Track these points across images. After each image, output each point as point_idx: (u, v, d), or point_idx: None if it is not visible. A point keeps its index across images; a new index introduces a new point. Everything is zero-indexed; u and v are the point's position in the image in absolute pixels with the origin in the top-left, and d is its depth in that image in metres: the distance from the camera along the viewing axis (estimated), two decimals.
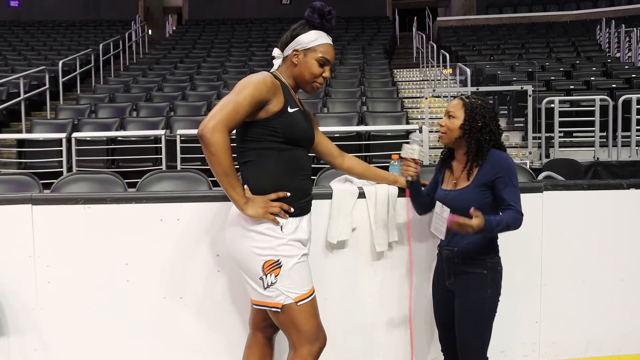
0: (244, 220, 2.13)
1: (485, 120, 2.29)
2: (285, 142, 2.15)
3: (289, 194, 2.15)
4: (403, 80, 13.05)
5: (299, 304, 2.13)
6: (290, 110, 2.16)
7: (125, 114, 9.17)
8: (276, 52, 2.29)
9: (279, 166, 2.15)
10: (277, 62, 2.29)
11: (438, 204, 2.37)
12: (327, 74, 2.26)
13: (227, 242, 2.24)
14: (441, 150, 2.52)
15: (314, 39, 2.21)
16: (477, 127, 2.28)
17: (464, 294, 2.31)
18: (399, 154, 2.59)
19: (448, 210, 2.29)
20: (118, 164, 7.56)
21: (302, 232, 2.21)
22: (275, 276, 2.11)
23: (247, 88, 2.06)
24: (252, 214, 2.08)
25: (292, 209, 2.16)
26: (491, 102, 2.38)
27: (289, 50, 2.24)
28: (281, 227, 2.13)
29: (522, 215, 2.22)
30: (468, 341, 2.30)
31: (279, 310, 2.13)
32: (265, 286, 2.12)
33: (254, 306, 2.22)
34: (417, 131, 2.61)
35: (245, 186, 2.14)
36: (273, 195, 2.13)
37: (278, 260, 2.11)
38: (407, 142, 2.51)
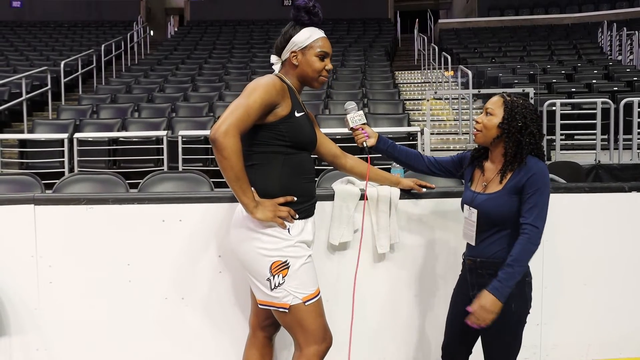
0: (251, 222, 2.13)
1: (526, 120, 2.14)
2: (291, 146, 2.16)
3: (296, 198, 2.16)
4: (404, 82, 13.07)
5: (306, 304, 2.15)
6: (297, 114, 2.18)
7: (127, 115, 9.19)
8: (274, 58, 2.30)
9: (285, 170, 2.16)
10: (276, 68, 2.30)
11: (466, 207, 2.26)
12: (329, 66, 2.27)
13: (233, 243, 2.24)
14: (475, 147, 2.38)
15: (308, 36, 2.22)
16: (517, 128, 2.14)
17: None
18: None
19: (476, 211, 2.20)
20: (119, 164, 7.58)
21: (307, 234, 2.23)
22: (283, 277, 2.12)
23: (257, 91, 2.07)
24: (262, 217, 2.08)
25: (298, 214, 2.17)
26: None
27: (286, 54, 2.24)
28: (288, 229, 2.14)
29: (537, 239, 2.08)
30: (494, 356, 2.22)
31: (286, 310, 2.14)
32: (273, 287, 2.12)
33: (260, 306, 2.22)
34: (348, 101, 2.51)
35: (253, 189, 2.14)
36: (281, 199, 2.14)
37: (286, 261, 2.12)
38: (347, 113, 2.43)
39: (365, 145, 2.43)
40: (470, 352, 2.38)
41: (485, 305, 2.05)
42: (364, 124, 2.44)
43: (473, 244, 2.23)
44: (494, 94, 2.29)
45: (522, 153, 2.14)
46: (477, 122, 2.24)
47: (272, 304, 2.16)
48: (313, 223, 2.30)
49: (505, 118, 2.16)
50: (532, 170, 2.11)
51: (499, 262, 2.14)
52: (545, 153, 2.26)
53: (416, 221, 2.77)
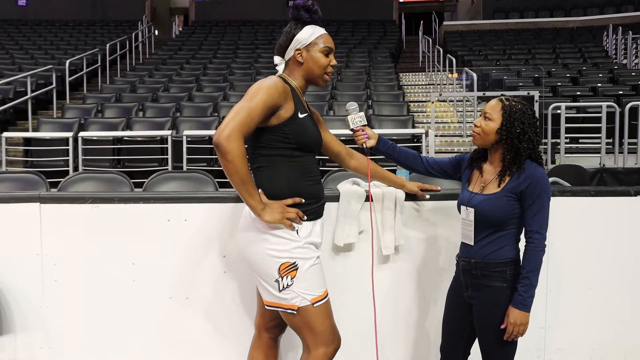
0: (259, 224, 2.13)
1: (524, 127, 2.14)
2: (296, 148, 2.15)
3: (304, 200, 2.16)
4: (409, 84, 13.05)
5: (315, 305, 2.14)
6: (300, 116, 2.17)
7: (131, 114, 9.20)
8: (277, 59, 2.30)
9: (291, 172, 2.16)
10: (280, 69, 2.30)
11: (463, 208, 2.26)
12: (334, 61, 2.27)
13: (241, 245, 2.24)
14: (474, 148, 2.39)
15: (311, 33, 2.22)
16: (515, 134, 2.14)
17: (483, 310, 2.20)
18: None
19: (472, 210, 2.20)
20: (124, 163, 7.60)
21: (315, 236, 2.23)
22: (292, 278, 2.11)
23: (259, 94, 2.06)
24: (269, 219, 2.08)
25: (306, 215, 2.17)
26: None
27: (290, 52, 2.24)
28: (297, 230, 2.14)
29: (543, 244, 2.13)
30: (492, 355, 2.23)
31: (295, 312, 2.14)
32: (281, 288, 2.12)
33: (267, 307, 2.22)
34: (349, 102, 2.52)
35: (260, 190, 2.14)
36: (289, 201, 2.13)
37: (294, 263, 2.12)
38: (348, 114, 2.43)
39: (365, 146, 2.45)
40: (469, 353, 2.39)
41: (516, 320, 2.13)
42: (364, 125, 2.45)
43: (472, 243, 2.23)
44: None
45: (520, 159, 2.15)
46: (475, 125, 2.25)
47: (280, 305, 2.15)
48: (321, 225, 2.30)
49: (504, 124, 2.16)
50: (532, 177, 2.13)
51: (493, 262, 2.17)
52: (542, 158, 2.25)
53: (419, 222, 2.77)
